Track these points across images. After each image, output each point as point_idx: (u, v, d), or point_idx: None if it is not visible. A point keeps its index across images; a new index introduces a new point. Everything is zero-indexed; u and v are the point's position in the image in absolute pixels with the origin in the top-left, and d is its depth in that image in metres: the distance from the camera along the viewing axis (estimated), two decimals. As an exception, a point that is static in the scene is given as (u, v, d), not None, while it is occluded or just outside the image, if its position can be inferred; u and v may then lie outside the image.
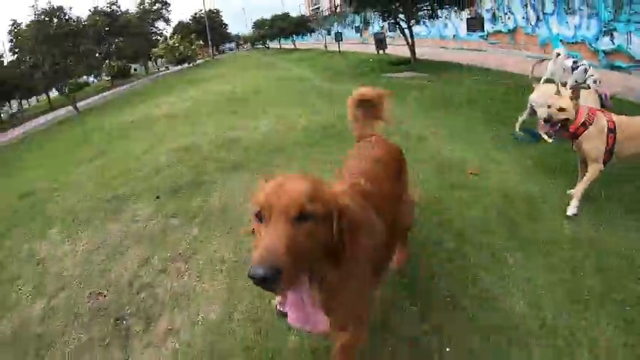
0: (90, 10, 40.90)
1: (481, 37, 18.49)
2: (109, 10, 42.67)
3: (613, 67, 12.16)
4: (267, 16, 39.84)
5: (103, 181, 5.69)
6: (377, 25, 26.08)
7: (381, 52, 19.01)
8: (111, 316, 2.87)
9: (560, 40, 14.30)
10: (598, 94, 5.08)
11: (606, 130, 3.31)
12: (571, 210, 3.39)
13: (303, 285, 1.28)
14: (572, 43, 13.84)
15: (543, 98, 4.67)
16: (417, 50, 15.75)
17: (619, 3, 11.87)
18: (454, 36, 20.49)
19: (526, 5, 15.76)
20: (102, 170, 6.29)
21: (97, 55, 36.97)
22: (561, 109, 3.36)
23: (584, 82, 6.94)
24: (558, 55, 7.95)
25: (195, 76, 23.52)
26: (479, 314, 2.45)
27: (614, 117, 3.40)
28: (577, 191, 3.43)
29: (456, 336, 2.31)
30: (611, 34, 12.38)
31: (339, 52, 22.73)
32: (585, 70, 7.15)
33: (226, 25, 72.65)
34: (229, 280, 3.05)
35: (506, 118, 5.98)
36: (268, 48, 44.79)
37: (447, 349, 2.22)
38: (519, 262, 2.89)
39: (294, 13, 39.65)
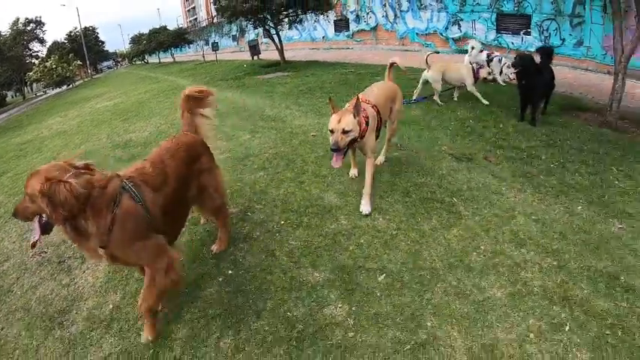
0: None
1: (347, 36, 20.62)
2: (-21, 33, 39.09)
3: (461, 51, 14.69)
4: (145, 30, 39.28)
5: (15, 190, 6.26)
6: (253, 33, 27.50)
7: (255, 57, 20.26)
8: (54, 262, 3.93)
9: (417, 34, 16.72)
10: (472, 66, 7.02)
11: (376, 115, 3.78)
12: (364, 208, 3.78)
13: (34, 223, 2.40)
14: (426, 34, 16.38)
15: (437, 74, 6.97)
16: (290, 53, 17.42)
17: (463, -4, 14.55)
18: (323, 37, 22.46)
19: (385, 5, 18.03)
20: (9, 182, 6.80)
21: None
22: (345, 132, 3.37)
23: (501, 71, 8.22)
24: (473, 48, 8.81)
25: (76, 97, 23.07)
26: (304, 203, 4.07)
27: (371, 98, 3.84)
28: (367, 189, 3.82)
29: (289, 217, 3.87)
30: (459, 24, 15.04)
31: (217, 61, 23.92)
32: (500, 60, 8.34)
33: (103, 42, 69.37)
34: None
35: (348, 97, 7.76)
36: (147, 63, 43.65)
37: (282, 222, 3.77)
38: (335, 173, 4.58)
39: (172, 26, 39.66)
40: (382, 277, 2.97)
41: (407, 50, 16.56)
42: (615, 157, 4.87)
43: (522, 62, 5.87)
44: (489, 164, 4.64)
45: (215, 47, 24.78)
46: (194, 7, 64.18)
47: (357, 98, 3.46)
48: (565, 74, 9.56)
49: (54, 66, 37.69)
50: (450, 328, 2.49)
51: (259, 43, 21.94)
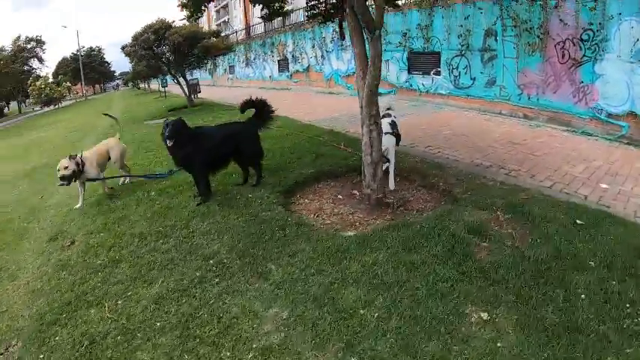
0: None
1: (287, 76, 20.76)
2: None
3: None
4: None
5: None
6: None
7: (193, 96, 20.59)
8: None
9: (340, 75, 16.49)
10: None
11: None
12: None
13: None
14: (347, 75, 16.06)
15: None
16: (239, 91, 18.79)
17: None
18: (270, 77, 22.75)
19: (314, 46, 17.99)
20: None
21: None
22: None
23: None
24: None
25: (37, 123, 24.45)
26: None
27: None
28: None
29: None
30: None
31: (165, 96, 25.39)
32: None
33: (109, 63, 71.96)
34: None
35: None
36: (139, 88, 43.95)
37: None
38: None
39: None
40: None
41: (331, 93, 16.24)
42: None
43: (168, 130, 4.67)
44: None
45: (164, 84, 25.92)
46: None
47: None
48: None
49: (42, 86, 39.23)
50: None
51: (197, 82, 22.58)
